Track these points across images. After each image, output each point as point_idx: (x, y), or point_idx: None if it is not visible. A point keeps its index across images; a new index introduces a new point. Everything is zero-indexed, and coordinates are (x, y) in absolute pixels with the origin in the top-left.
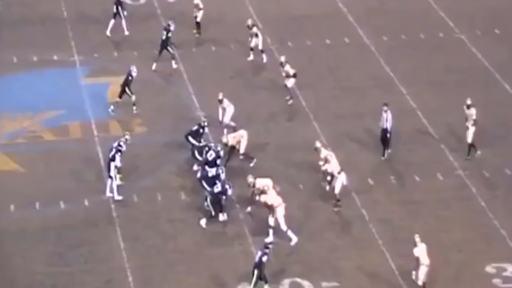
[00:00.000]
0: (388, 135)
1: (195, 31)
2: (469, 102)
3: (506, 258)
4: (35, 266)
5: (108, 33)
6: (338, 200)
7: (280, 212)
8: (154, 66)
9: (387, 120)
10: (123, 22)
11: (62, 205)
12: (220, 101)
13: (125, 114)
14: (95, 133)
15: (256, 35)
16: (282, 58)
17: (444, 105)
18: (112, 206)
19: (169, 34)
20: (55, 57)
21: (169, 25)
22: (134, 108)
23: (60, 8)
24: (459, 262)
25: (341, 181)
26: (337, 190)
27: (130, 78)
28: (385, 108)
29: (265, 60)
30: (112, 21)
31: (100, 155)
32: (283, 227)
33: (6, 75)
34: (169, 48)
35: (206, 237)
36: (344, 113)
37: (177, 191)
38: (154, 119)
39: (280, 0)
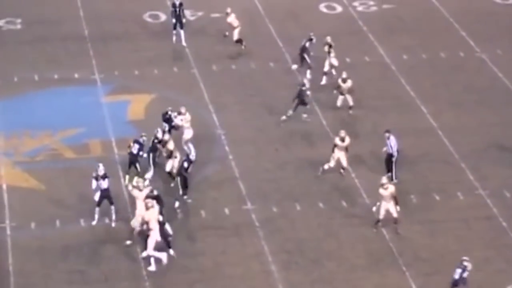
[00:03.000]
0: (393, 159)
1: (244, 46)
2: None
3: None
4: (56, 284)
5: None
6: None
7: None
8: (308, 74)
9: (391, 146)
10: (182, 33)
11: (82, 222)
12: (180, 113)
13: (146, 132)
14: (116, 150)
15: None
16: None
17: (465, 124)
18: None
19: (307, 44)
20: (76, 75)
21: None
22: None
23: (81, 26)
24: (480, 282)
25: (385, 208)
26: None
27: (303, 89)
28: (387, 135)
29: (324, 82)
30: (174, 31)
31: (120, 173)
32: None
33: (28, 93)
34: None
35: (225, 256)
36: (364, 132)
37: (197, 209)
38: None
39: (300, 19)
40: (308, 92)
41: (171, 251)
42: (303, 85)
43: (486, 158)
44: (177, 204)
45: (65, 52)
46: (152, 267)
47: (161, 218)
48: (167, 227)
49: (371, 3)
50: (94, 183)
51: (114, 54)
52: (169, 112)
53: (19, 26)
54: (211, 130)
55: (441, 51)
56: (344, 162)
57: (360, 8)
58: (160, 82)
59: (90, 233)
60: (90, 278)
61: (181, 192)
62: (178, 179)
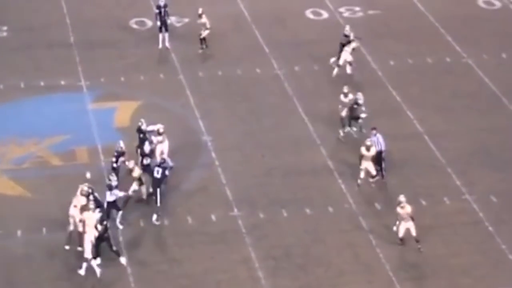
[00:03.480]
0: (382, 155)
1: (201, 48)
2: None
3: None
4: None
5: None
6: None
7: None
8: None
9: (380, 143)
10: (166, 35)
11: (71, 228)
12: (159, 133)
13: (132, 139)
14: (102, 157)
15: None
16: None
17: (452, 130)
18: (119, 230)
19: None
20: (62, 82)
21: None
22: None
23: (67, 33)
24: (467, 287)
25: (404, 227)
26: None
27: (355, 106)
28: (374, 132)
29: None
30: (160, 35)
31: (107, 180)
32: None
33: (14, 100)
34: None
35: (213, 262)
36: (351, 138)
37: (184, 216)
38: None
39: (286, 24)
40: (363, 108)
41: (122, 259)
42: (356, 101)
43: (472, 163)
44: (155, 217)
45: (51, 59)
46: (82, 271)
47: (99, 227)
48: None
49: (357, 9)
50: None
51: (100, 61)
52: (141, 123)
53: (5, 34)
54: (197, 137)
55: (428, 57)
56: (373, 171)
57: (346, 14)
58: (147, 89)
59: (76, 240)
60: (76, 285)
61: (159, 203)
62: (158, 190)
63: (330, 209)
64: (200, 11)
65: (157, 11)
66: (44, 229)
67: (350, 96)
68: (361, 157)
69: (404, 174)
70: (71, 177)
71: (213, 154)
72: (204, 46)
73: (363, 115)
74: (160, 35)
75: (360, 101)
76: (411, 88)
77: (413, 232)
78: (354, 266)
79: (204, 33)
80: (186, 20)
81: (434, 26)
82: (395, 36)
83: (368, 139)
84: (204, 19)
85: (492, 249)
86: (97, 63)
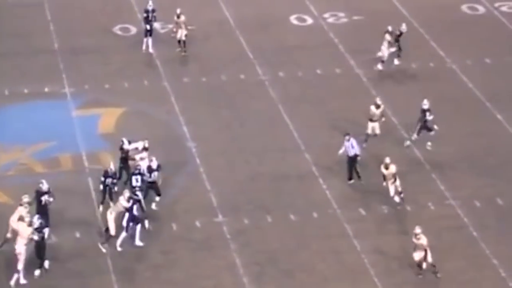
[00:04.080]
0: (358, 158)
1: (183, 50)
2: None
3: (498, 287)
4: None
5: (150, 50)
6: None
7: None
8: (396, 61)
9: (353, 147)
10: (150, 40)
11: (53, 237)
12: (146, 149)
13: (117, 145)
14: (86, 165)
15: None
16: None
17: (436, 135)
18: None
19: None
20: (46, 89)
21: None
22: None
23: (51, 39)
24: None
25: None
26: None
27: (427, 118)
28: (347, 137)
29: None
30: (145, 39)
31: (91, 186)
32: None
33: None
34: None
35: (197, 268)
36: (335, 143)
37: (169, 222)
38: None
39: (270, 31)
40: (430, 118)
41: (36, 272)
42: (425, 112)
43: (457, 168)
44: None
45: (35, 66)
46: (12, 281)
47: (35, 237)
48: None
49: (341, 14)
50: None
51: (84, 67)
52: (122, 143)
53: None
54: (182, 143)
55: (412, 62)
56: (399, 187)
57: (330, 20)
58: (131, 95)
59: (61, 247)
60: None
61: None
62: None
63: (315, 214)
64: (178, 11)
65: (145, 15)
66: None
67: (382, 108)
68: (384, 177)
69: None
70: (55, 184)
71: (198, 160)
72: (184, 50)
73: (436, 127)
74: (145, 39)
75: (425, 107)
76: (395, 94)
77: (429, 258)
78: (339, 271)
79: (183, 34)
80: (171, 26)
81: (418, 32)
82: (379, 41)
83: (387, 158)
84: (183, 18)
85: (476, 254)
86: (81, 70)
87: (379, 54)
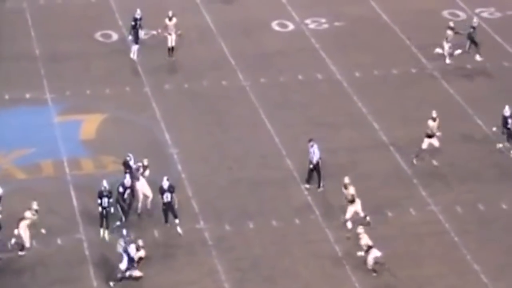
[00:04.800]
0: (318, 166)
1: (171, 56)
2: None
3: None
4: None
5: (134, 57)
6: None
7: None
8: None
9: (314, 153)
10: (136, 48)
11: (34, 243)
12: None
13: (98, 152)
14: (67, 171)
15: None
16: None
17: (417, 141)
18: (85, 244)
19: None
20: (27, 95)
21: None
22: None
23: (32, 46)
24: None
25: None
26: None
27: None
28: (311, 143)
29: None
30: (136, 46)
31: (72, 193)
32: None
33: None
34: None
35: (180, 275)
36: (319, 149)
37: (150, 229)
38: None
39: (252, 36)
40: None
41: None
42: (506, 119)
43: (438, 174)
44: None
45: (16, 72)
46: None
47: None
48: None
49: (323, 20)
50: None
51: (66, 74)
52: (130, 156)
53: None
54: (163, 149)
55: (393, 68)
56: (360, 212)
57: (312, 26)
58: (112, 102)
59: (42, 254)
60: None
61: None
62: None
63: (297, 220)
64: (170, 13)
65: (132, 23)
66: (8, 244)
67: (438, 120)
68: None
69: (370, 185)
70: (37, 191)
71: (179, 167)
72: (173, 56)
73: None
74: (136, 47)
75: (507, 113)
76: (376, 99)
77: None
78: (321, 277)
79: (173, 40)
80: (153, 32)
81: (399, 38)
82: (361, 47)
83: (346, 178)
84: (174, 21)
85: (457, 260)
86: (62, 76)
87: (438, 50)
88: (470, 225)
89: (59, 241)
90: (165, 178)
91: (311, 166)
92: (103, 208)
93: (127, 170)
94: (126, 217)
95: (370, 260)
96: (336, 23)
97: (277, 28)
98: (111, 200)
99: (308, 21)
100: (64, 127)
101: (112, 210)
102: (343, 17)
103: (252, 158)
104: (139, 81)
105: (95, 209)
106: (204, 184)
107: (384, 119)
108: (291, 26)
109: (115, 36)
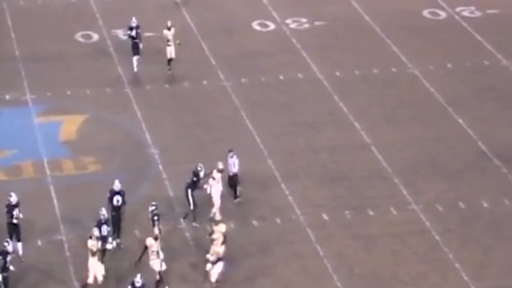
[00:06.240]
0: (235, 177)
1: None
2: None
3: None
4: None
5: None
6: None
7: None
8: None
9: (234, 165)
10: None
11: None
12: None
13: (78, 153)
14: (48, 172)
15: None
16: None
17: (398, 140)
18: (66, 246)
19: None
20: (7, 97)
21: None
22: None
23: (13, 47)
24: None
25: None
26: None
27: None
28: (231, 154)
29: None
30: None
31: (53, 194)
32: None
33: None
34: None
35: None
36: (298, 149)
37: (131, 230)
38: (108, 157)
39: (233, 36)
40: None
41: None
42: None
43: (419, 173)
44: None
45: None
46: None
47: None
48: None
49: (304, 20)
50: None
51: (46, 74)
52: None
53: None
54: (144, 150)
55: (374, 67)
56: (220, 253)
57: (292, 26)
58: (93, 102)
59: (23, 255)
60: None
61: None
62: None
63: (278, 220)
64: (169, 23)
65: (128, 32)
66: None
67: None
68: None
69: (351, 185)
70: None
71: (161, 167)
72: (171, 69)
73: None
74: (134, 58)
75: None
76: (357, 99)
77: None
78: (302, 277)
79: (173, 52)
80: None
81: (379, 37)
82: (342, 47)
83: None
84: (173, 31)
85: (439, 258)
86: (43, 77)
87: None
88: (451, 224)
89: (39, 243)
90: (116, 181)
91: (229, 178)
92: (16, 219)
93: (195, 179)
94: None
95: (215, 273)
96: (317, 23)
97: (258, 28)
98: (109, 228)
99: (289, 21)
100: (45, 128)
101: (110, 245)
102: (324, 17)
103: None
104: (120, 82)
105: (76, 210)
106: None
107: (365, 118)
108: (272, 26)
109: (95, 37)
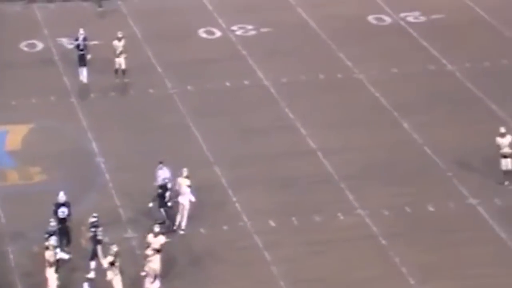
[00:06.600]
0: (167, 189)
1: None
2: (503, 130)
3: None
4: None
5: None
6: None
7: None
8: None
9: (165, 177)
10: (85, 70)
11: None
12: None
13: (24, 162)
14: None
15: None
16: None
17: (344, 145)
18: (11, 256)
19: None
20: None
21: None
22: None
23: None
24: None
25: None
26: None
27: None
28: (160, 166)
29: None
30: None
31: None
32: None
33: None
34: None
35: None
36: (246, 155)
37: (77, 239)
38: (54, 167)
39: (179, 44)
40: None
41: None
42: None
43: (365, 178)
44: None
45: None
46: None
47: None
48: None
49: (250, 27)
50: None
51: None
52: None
53: None
54: (91, 159)
55: (320, 73)
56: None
57: (238, 33)
58: (38, 112)
59: None
60: None
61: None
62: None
63: (225, 227)
64: (120, 34)
65: (76, 43)
66: None
67: (509, 137)
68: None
69: (298, 191)
70: None
71: (107, 176)
72: (125, 78)
73: None
74: (80, 69)
75: None
76: (304, 105)
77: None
78: (250, 283)
79: (123, 63)
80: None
81: (325, 43)
82: (288, 53)
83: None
84: (123, 42)
85: (386, 262)
86: None
87: None
88: (398, 228)
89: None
90: (61, 193)
91: (159, 190)
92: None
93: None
94: None
95: None
96: (263, 29)
97: (204, 35)
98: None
99: (234, 27)
100: None
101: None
102: (270, 23)
103: (180, 166)
104: (65, 91)
105: (22, 220)
106: (131, 192)
107: (311, 124)
108: (218, 33)
109: (39, 46)
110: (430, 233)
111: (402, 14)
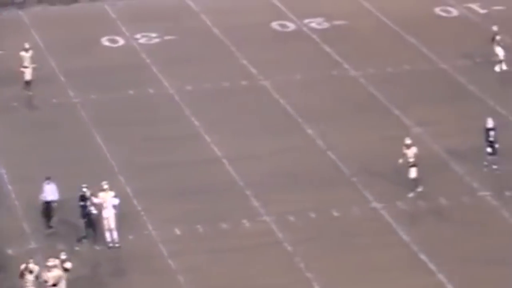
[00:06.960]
0: (50, 206)
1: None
2: (408, 141)
3: None
4: None
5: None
6: None
7: None
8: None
9: (51, 192)
10: None
11: None
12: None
13: None
14: None
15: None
16: None
17: (249, 152)
18: None
19: None
20: None
21: None
22: None
23: None
24: None
25: None
26: None
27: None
28: (47, 181)
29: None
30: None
31: None
32: None
33: None
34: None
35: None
36: (150, 164)
37: (29, 240)
38: None
39: (82, 52)
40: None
41: None
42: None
43: (270, 184)
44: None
45: None
46: None
47: None
48: None
49: (153, 35)
50: None
51: None
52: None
53: None
54: None
55: (224, 80)
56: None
57: (142, 41)
58: None
59: None
60: None
61: None
62: None
63: (130, 237)
64: (27, 45)
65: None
66: None
67: (414, 148)
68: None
69: (204, 198)
70: None
71: (9, 187)
72: (30, 91)
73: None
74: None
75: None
76: (208, 113)
77: None
78: None
79: (30, 73)
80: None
81: (229, 50)
82: (192, 61)
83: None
84: (30, 53)
85: (291, 268)
86: None
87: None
88: (303, 234)
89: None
90: None
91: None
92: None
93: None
94: None
95: None
96: (166, 37)
97: (107, 43)
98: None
99: (138, 35)
100: None
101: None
102: (174, 31)
103: (83, 177)
104: None
105: None
106: (33, 203)
107: (216, 132)
108: (121, 41)
109: None
110: (334, 238)
111: (306, 20)
